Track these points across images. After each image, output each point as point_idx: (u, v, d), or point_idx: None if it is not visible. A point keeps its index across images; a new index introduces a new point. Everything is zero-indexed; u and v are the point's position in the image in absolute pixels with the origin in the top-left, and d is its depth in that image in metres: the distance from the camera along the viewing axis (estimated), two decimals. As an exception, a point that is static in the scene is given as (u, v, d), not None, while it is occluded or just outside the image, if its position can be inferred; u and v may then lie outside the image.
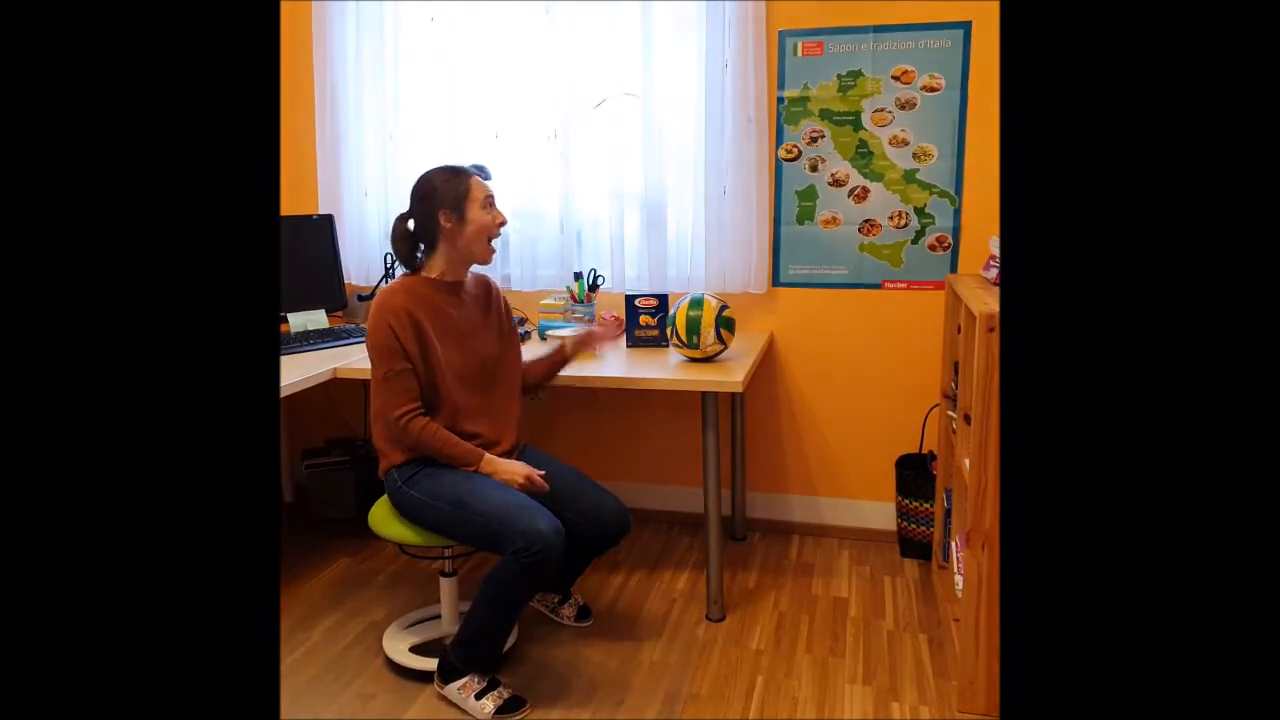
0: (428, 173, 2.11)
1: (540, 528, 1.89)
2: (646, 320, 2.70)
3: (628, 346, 2.72)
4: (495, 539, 1.93)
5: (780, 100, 2.82)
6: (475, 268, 2.21)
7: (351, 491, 3.19)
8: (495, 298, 2.27)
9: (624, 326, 2.51)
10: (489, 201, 2.10)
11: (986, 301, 2.03)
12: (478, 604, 1.99)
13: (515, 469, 2.08)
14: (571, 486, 2.16)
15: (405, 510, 2.08)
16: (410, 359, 2.03)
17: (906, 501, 2.82)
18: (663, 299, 2.70)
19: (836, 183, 2.82)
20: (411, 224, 2.13)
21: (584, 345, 2.36)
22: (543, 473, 2.10)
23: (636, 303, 2.70)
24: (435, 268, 2.12)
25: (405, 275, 2.13)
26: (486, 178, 2.15)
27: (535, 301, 3.06)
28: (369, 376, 2.16)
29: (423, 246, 2.14)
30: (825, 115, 2.79)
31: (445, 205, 2.07)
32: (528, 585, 1.92)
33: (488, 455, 2.09)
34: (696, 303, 2.44)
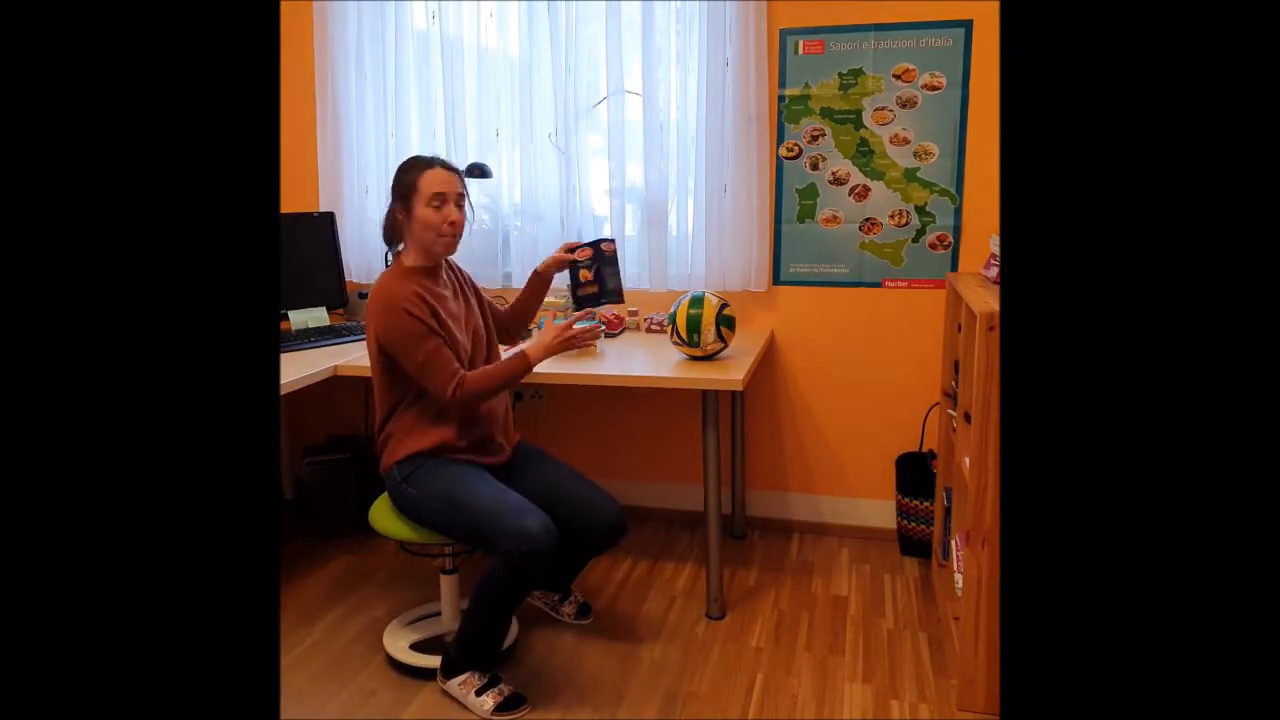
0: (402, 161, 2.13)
1: (528, 526, 1.89)
2: (585, 275, 2.32)
3: (574, 310, 2.37)
4: (485, 538, 1.94)
5: (781, 98, 2.82)
6: (464, 265, 2.25)
7: (352, 489, 3.19)
8: (468, 281, 2.28)
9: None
10: (439, 199, 2.04)
11: (987, 300, 2.03)
12: (473, 603, 2.00)
13: (557, 336, 2.10)
14: (569, 487, 2.16)
15: (402, 507, 2.08)
16: (438, 333, 2.03)
17: (906, 500, 2.82)
18: (595, 246, 2.32)
19: (837, 181, 2.82)
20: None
21: (550, 269, 2.32)
22: (594, 324, 2.14)
23: (576, 254, 2.33)
24: (409, 257, 2.12)
25: (390, 267, 2.13)
26: (456, 172, 2.10)
27: (536, 299, 3.06)
28: (369, 374, 2.16)
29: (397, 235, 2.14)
30: (826, 113, 2.79)
31: (397, 198, 2.08)
32: (519, 584, 1.93)
33: (528, 347, 2.10)
34: (697, 301, 2.44)
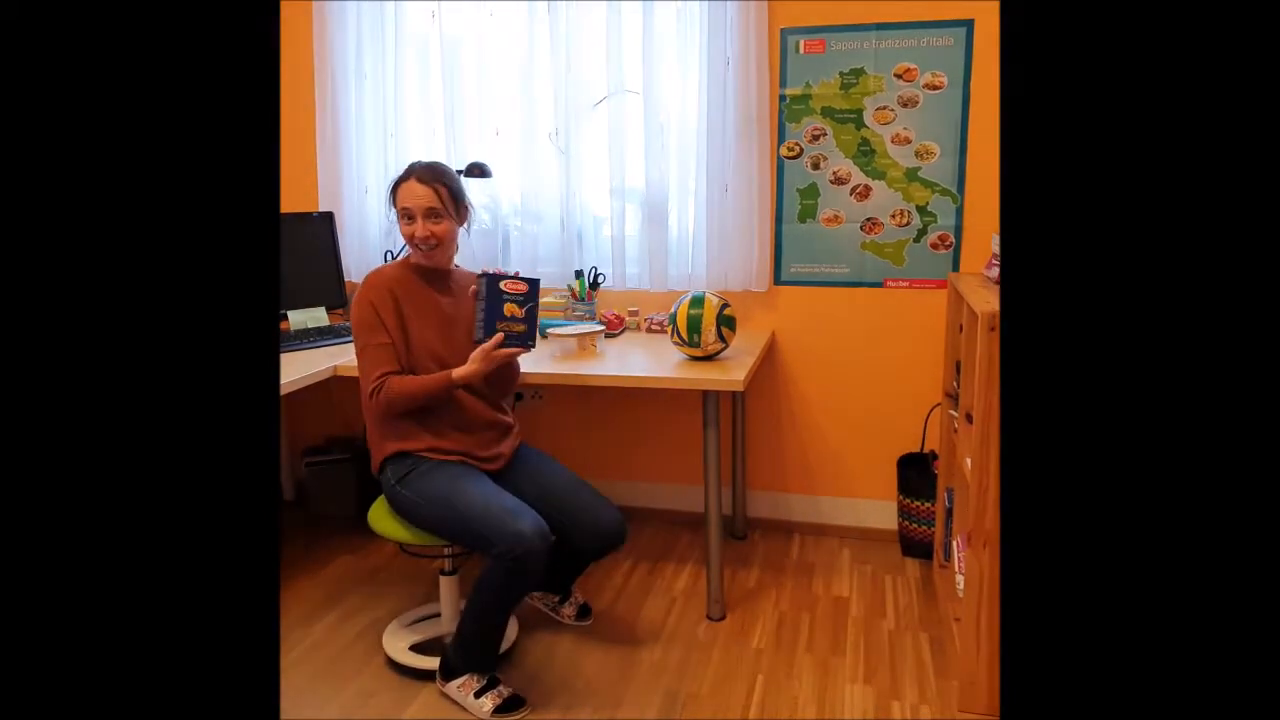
0: None
1: (521, 529, 1.89)
2: (513, 310, 2.08)
3: (485, 336, 2.08)
4: (479, 540, 1.94)
5: (782, 98, 2.81)
6: (464, 264, 2.24)
7: (352, 489, 3.18)
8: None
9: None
10: (406, 214, 2.07)
11: (988, 300, 2.03)
12: (470, 605, 2.00)
13: (479, 363, 2.04)
14: (569, 493, 2.15)
15: (398, 509, 2.08)
16: (389, 333, 2.04)
17: (908, 500, 2.81)
18: (534, 284, 2.11)
19: (838, 181, 2.82)
20: None
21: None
22: (499, 337, 2.05)
23: (502, 285, 2.07)
24: (412, 254, 2.15)
25: (397, 260, 2.17)
26: (434, 183, 2.06)
27: (536, 299, 3.05)
28: None
29: None
30: (827, 113, 2.79)
31: (390, 203, 2.13)
32: (514, 586, 1.93)
33: (454, 371, 2.06)
34: (697, 301, 2.44)
